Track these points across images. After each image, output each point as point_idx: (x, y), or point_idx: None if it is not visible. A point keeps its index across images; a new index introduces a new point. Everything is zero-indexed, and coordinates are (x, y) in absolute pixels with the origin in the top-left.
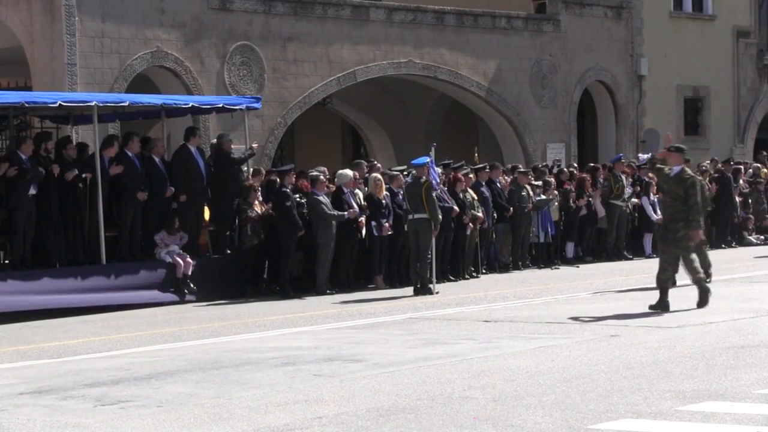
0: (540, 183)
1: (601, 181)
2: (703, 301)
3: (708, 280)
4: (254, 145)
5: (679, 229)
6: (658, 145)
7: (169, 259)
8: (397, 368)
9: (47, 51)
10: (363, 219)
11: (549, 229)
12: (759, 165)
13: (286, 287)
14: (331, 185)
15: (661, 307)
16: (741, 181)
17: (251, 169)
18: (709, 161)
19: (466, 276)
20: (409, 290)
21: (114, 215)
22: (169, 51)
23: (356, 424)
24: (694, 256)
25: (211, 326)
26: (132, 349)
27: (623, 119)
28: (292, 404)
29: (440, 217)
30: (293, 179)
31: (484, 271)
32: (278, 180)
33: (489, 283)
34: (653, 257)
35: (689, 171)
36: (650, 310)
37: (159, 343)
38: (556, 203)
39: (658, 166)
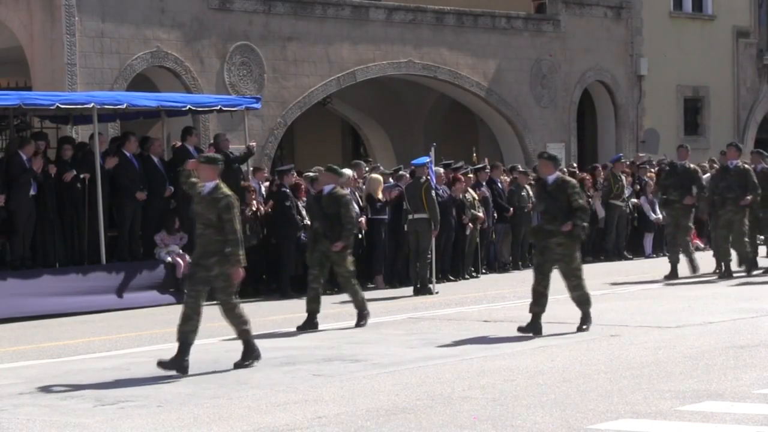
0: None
1: (601, 180)
2: (247, 356)
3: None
4: (251, 144)
5: (212, 265)
6: (658, 146)
7: (169, 259)
8: (397, 368)
9: (47, 51)
10: (363, 219)
11: None
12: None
13: (286, 287)
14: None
15: (251, 355)
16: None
17: (251, 169)
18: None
19: (466, 276)
20: (409, 290)
21: (114, 215)
22: (168, 51)
23: (356, 424)
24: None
25: (211, 326)
26: (132, 349)
27: (623, 119)
28: (292, 404)
29: (439, 217)
30: (293, 179)
31: (484, 271)
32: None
33: (489, 283)
34: (653, 257)
35: (225, 189)
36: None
37: (159, 343)
38: None
39: (192, 180)
